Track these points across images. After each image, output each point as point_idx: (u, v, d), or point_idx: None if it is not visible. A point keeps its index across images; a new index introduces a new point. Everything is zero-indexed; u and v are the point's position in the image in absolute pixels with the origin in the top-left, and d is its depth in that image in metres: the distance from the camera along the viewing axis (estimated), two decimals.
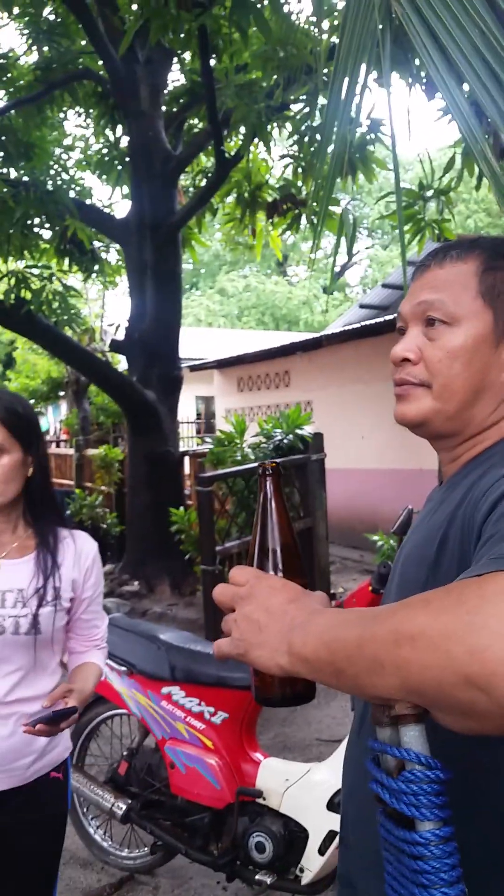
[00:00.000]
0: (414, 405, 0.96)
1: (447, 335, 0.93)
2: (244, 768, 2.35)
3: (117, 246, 8.51)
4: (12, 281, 6.48)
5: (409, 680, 0.58)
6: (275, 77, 5.43)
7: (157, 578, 7.21)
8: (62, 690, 1.54)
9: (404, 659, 0.58)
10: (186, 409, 15.73)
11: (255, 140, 6.21)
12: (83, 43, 7.61)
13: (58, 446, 14.11)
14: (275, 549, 0.85)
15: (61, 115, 8.41)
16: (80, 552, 1.70)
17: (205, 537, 4.34)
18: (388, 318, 9.41)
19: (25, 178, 6.83)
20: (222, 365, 13.66)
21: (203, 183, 8.90)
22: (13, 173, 7.22)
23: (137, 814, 2.50)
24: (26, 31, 7.25)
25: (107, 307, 15.04)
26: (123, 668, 2.54)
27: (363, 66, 1.66)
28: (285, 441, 5.56)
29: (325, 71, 4.22)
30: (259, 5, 5.02)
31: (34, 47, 7.44)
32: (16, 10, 6.95)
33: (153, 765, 2.59)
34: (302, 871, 2.17)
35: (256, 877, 2.22)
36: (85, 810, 2.83)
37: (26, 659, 1.56)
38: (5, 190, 6.19)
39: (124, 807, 2.49)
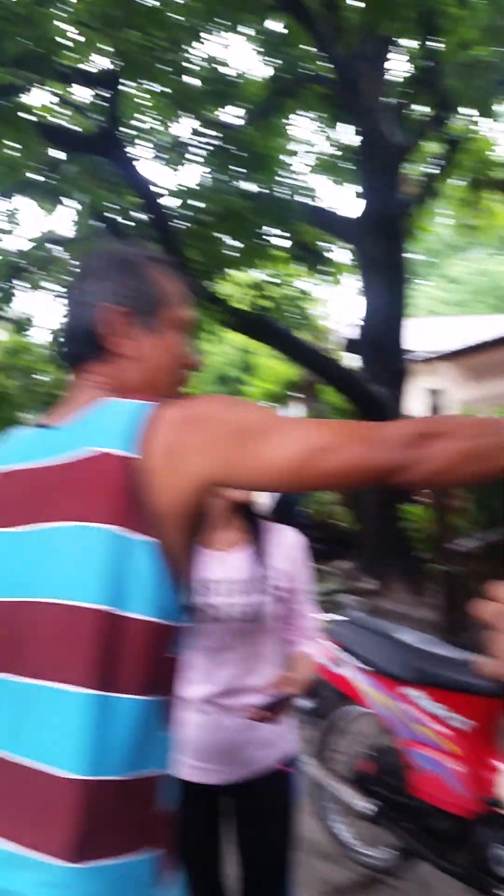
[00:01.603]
0: None
1: None
2: (488, 777, 2.26)
3: (345, 244, 8.57)
4: (252, 292, 6.78)
5: None
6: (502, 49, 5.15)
7: (391, 577, 7.16)
8: (282, 679, 1.60)
9: None
10: (416, 401, 15.42)
11: (483, 119, 5.93)
12: (310, 49, 7.77)
13: None
14: None
15: (291, 122, 8.65)
16: (289, 544, 1.76)
17: (440, 536, 4.24)
18: None
19: (259, 190, 7.11)
20: (456, 355, 13.18)
21: (430, 170, 8.68)
22: (249, 186, 7.56)
23: (383, 814, 2.51)
24: (255, 48, 7.56)
25: (335, 306, 15.21)
26: (366, 668, 2.55)
27: None
28: None
29: None
30: None
31: (263, 61, 7.73)
32: (249, 31, 7.27)
33: (396, 766, 2.58)
34: None
35: (497, 892, 2.13)
36: (330, 805, 2.89)
37: (247, 648, 1.64)
38: (242, 203, 6.49)
39: (368, 805, 2.52)
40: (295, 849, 1.75)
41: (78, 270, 1.16)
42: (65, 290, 1.16)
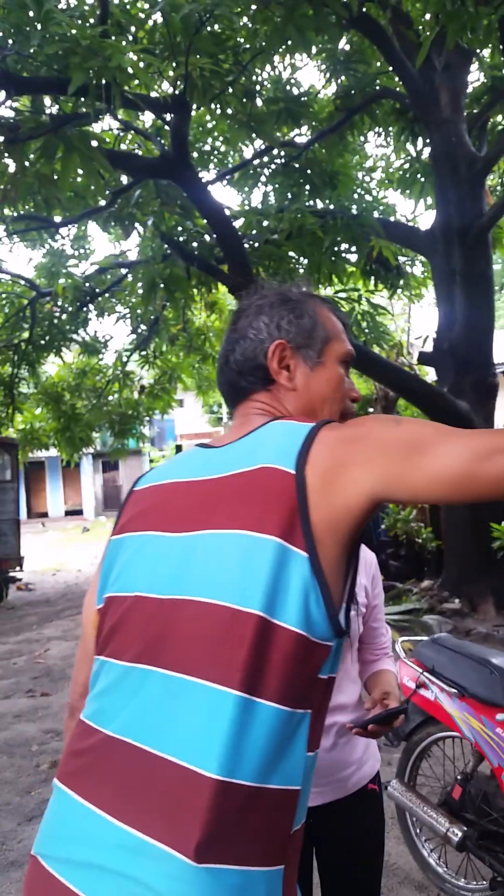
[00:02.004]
0: None
1: None
2: None
3: (422, 258, 8.46)
4: None
5: None
6: None
7: (479, 597, 6.93)
8: (381, 694, 1.58)
9: None
10: (503, 416, 15.00)
11: None
12: (378, 64, 7.78)
13: None
14: None
15: (361, 138, 8.65)
16: (367, 560, 1.73)
17: None
18: None
19: (331, 207, 7.11)
20: None
21: None
22: (319, 203, 7.57)
23: (474, 843, 2.39)
24: (324, 66, 7.62)
25: (413, 320, 15.02)
26: (454, 691, 2.46)
27: None
28: None
29: None
30: None
31: (332, 79, 7.77)
32: (314, 49, 7.33)
33: (489, 793, 2.47)
34: None
35: None
36: (418, 831, 2.79)
37: None
38: (312, 222, 6.51)
39: (460, 833, 2.40)
40: (382, 875, 1.69)
41: (245, 307, 1.24)
42: (230, 327, 1.24)
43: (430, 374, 9.61)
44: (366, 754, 1.64)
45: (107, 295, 9.53)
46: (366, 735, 1.49)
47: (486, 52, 7.35)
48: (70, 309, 8.90)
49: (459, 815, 2.49)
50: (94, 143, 4.98)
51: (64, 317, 9.03)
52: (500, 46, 5.76)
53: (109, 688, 0.99)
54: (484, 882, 2.55)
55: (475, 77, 8.05)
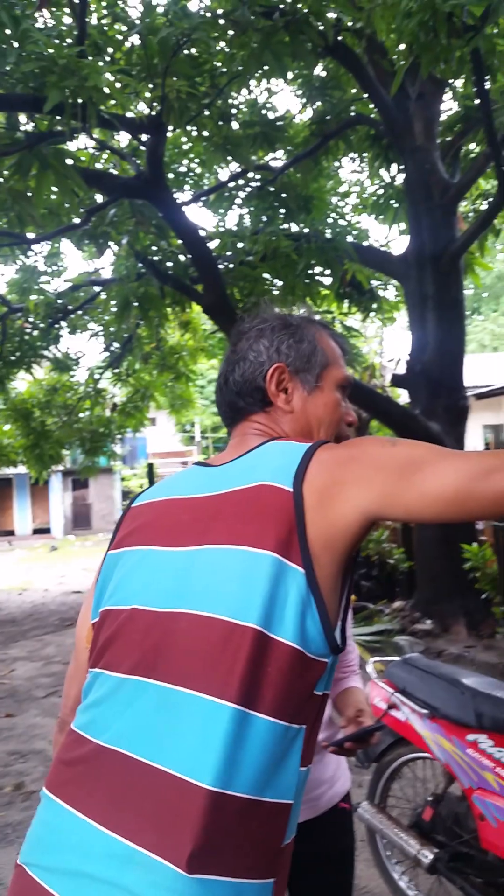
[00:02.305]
0: None
1: None
2: None
3: (395, 282, 8.57)
4: None
5: None
6: None
7: (451, 617, 6.96)
8: (355, 712, 1.57)
9: None
10: (473, 438, 15.17)
11: None
12: (353, 91, 7.91)
13: None
14: None
15: (336, 163, 8.77)
16: None
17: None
18: None
19: (306, 231, 7.18)
20: None
21: (484, 206, 8.66)
22: (294, 227, 7.65)
23: (445, 865, 2.38)
24: (300, 91, 7.73)
25: (385, 343, 15.19)
26: (425, 712, 2.45)
27: None
28: None
29: None
30: None
31: (308, 104, 7.88)
32: (290, 75, 7.44)
33: (460, 814, 2.45)
34: None
35: None
36: (389, 853, 2.77)
37: None
38: (287, 245, 6.57)
39: (431, 855, 2.39)
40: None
41: (246, 330, 1.27)
42: (231, 348, 1.27)
43: (402, 397, 9.71)
44: (337, 772, 1.63)
45: (79, 312, 9.51)
46: (342, 753, 1.49)
47: (459, 83, 7.51)
48: (42, 325, 8.86)
49: (430, 836, 2.48)
50: (70, 162, 4.98)
51: (35, 333, 8.97)
52: (473, 77, 5.89)
53: (103, 699, 0.99)
54: None
55: (448, 106, 8.23)
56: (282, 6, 5.27)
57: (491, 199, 7.29)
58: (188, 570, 1.00)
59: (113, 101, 4.67)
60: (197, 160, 8.51)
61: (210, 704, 0.89)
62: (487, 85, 5.93)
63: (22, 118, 5.46)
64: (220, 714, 0.88)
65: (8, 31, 4.33)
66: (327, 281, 7.68)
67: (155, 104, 5.45)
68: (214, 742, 0.87)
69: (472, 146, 8.35)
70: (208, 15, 5.43)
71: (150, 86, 5.38)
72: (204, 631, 0.93)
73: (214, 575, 0.97)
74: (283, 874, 0.94)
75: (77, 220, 6.68)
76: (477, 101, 6.27)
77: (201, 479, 1.12)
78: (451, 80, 7.31)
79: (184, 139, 8.05)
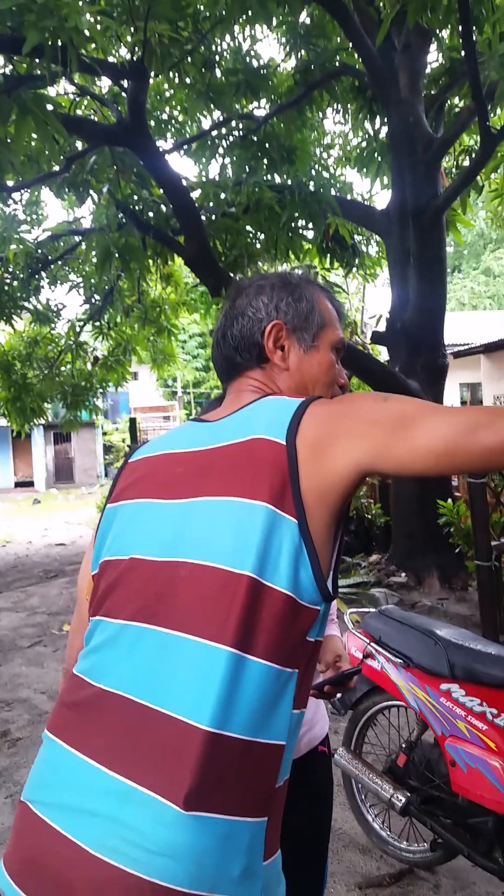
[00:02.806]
0: None
1: None
2: None
3: (377, 238, 8.50)
4: None
5: None
6: None
7: (425, 571, 7.11)
8: (334, 657, 1.64)
9: None
10: (450, 396, 15.27)
11: None
12: (339, 40, 7.72)
13: None
14: None
15: (320, 114, 8.60)
16: None
17: (479, 531, 4.18)
18: None
19: (289, 182, 7.08)
20: (490, 349, 13.04)
21: (467, 162, 8.56)
22: (277, 178, 7.52)
23: (417, 808, 2.49)
24: (284, 39, 7.53)
25: (367, 300, 15.11)
26: (400, 661, 2.53)
27: None
28: None
29: None
30: None
31: (292, 53, 7.69)
32: (274, 21, 7.24)
33: (433, 760, 2.56)
34: None
35: None
36: (363, 797, 2.88)
37: None
38: (270, 196, 6.47)
39: (404, 799, 2.49)
40: (329, 837, 1.75)
41: (245, 286, 1.29)
42: (229, 304, 1.29)
43: (382, 354, 9.71)
44: (315, 716, 1.69)
45: (59, 263, 9.34)
46: (321, 696, 1.56)
47: (446, 34, 7.34)
48: (21, 276, 8.70)
49: (403, 781, 2.58)
50: (50, 107, 4.85)
51: (15, 284, 8.82)
52: (459, 27, 5.77)
53: (104, 644, 1.03)
54: (425, 844, 2.66)
55: (434, 58, 8.07)
56: None
57: (474, 155, 7.20)
58: (185, 521, 1.03)
59: (94, 45, 4.53)
60: (179, 108, 8.30)
61: (208, 648, 0.92)
62: (474, 37, 5.81)
63: None
64: (217, 657, 0.91)
65: None
66: (310, 235, 7.60)
67: (137, 49, 5.30)
68: (212, 684, 0.90)
69: (457, 100, 8.21)
70: None
71: (132, 29, 5.22)
72: (202, 579, 0.97)
73: (210, 525, 1.00)
74: (277, 815, 0.98)
75: (57, 168, 6.53)
76: (463, 54, 6.15)
77: (196, 434, 1.15)
78: (437, 31, 7.14)
79: (166, 86, 7.84)
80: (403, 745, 2.63)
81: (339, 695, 1.60)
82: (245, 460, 1.02)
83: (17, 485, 28.94)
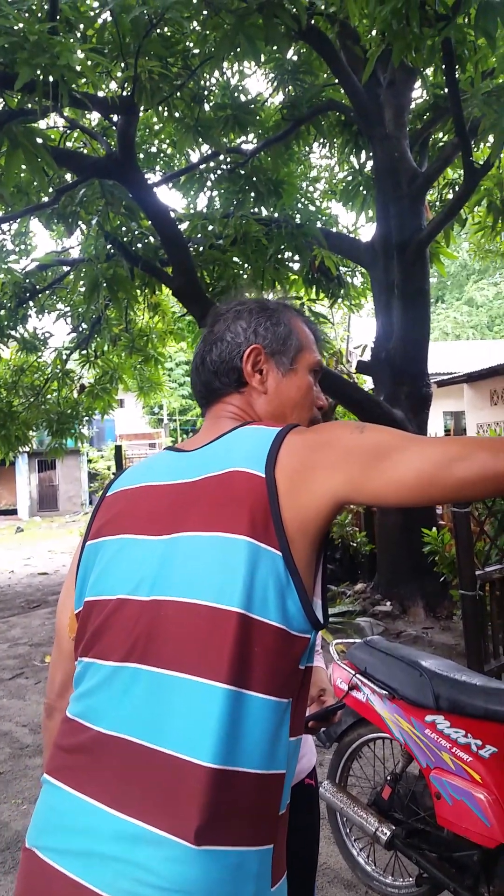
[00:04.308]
0: None
1: None
2: None
3: (362, 269, 8.62)
4: None
5: None
6: None
7: (410, 600, 7.11)
8: (318, 691, 1.63)
9: None
10: (434, 425, 15.37)
11: None
12: (325, 77, 7.89)
13: None
14: None
15: (307, 149, 8.75)
16: None
17: (463, 560, 4.19)
18: None
19: (276, 215, 7.18)
20: (473, 378, 13.18)
21: (451, 195, 8.73)
22: (264, 211, 7.63)
23: (402, 841, 2.46)
24: (272, 75, 7.69)
25: (352, 329, 15.26)
26: (385, 692, 2.53)
27: None
28: None
29: None
30: None
31: (279, 88, 7.85)
32: (262, 58, 7.39)
33: (418, 792, 2.55)
34: None
35: None
36: (348, 831, 2.85)
37: None
38: (257, 229, 6.56)
39: (388, 832, 2.47)
40: (316, 870, 1.73)
41: (223, 311, 1.29)
42: (208, 329, 1.29)
43: (367, 383, 9.80)
44: (303, 749, 1.67)
45: (47, 292, 9.39)
46: (305, 732, 1.53)
47: (430, 71, 7.53)
48: (9, 305, 8.74)
49: (388, 814, 2.57)
50: (40, 140, 4.91)
51: (2, 313, 8.85)
52: (443, 66, 5.93)
53: (97, 687, 1.02)
54: (410, 879, 2.63)
55: (418, 94, 8.26)
56: None
57: (458, 188, 7.34)
58: (169, 559, 1.03)
59: (84, 80, 4.61)
60: (168, 141, 8.43)
61: (204, 687, 0.93)
62: (457, 75, 5.97)
63: None
64: (213, 695, 0.92)
65: None
66: (296, 266, 7.69)
67: (127, 84, 5.39)
68: (211, 722, 0.91)
69: (441, 135, 8.40)
70: None
71: (122, 65, 5.31)
72: (191, 617, 0.97)
73: (195, 562, 1.00)
74: (282, 840, 0.99)
75: (46, 199, 6.59)
76: (446, 91, 6.31)
77: (175, 465, 1.14)
78: (421, 69, 7.33)
79: (155, 120, 7.96)
80: (388, 778, 2.62)
81: (322, 729, 1.59)
82: (225, 494, 1.02)
83: (1, 513, 28.69)
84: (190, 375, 1.33)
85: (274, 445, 1.02)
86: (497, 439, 0.98)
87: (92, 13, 5.66)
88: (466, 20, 5.35)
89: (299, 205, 7.79)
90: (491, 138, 6.27)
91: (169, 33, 5.61)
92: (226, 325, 1.25)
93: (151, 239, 7.01)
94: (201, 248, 6.95)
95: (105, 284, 6.90)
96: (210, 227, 6.88)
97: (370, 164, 8.13)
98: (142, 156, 8.16)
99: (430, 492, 0.96)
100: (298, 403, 1.23)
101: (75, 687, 1.07)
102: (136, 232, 7.04)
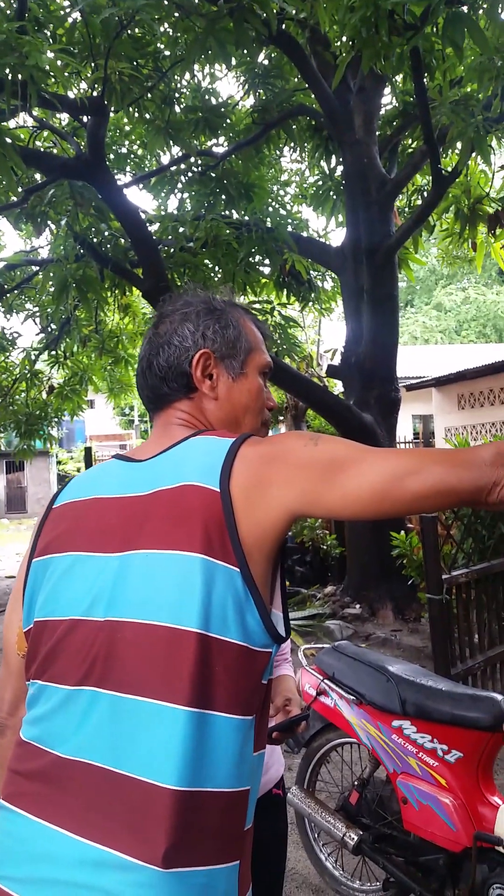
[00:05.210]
0: None
1: None
2: (482, 812, 2.24)
3: (332, 274, 8.67)
4: None
5: None
6: (491, 88, 5.25)
7: (379, 602, 7.16)
8: (283, 700, 1.62)
9: None
10: (403, 428, 15.51)
11: (473, 154, 6.03)
12: (296, 81, 7.92)
13: None
14: None
15: (277, 152, 8.77)
16: None
17: (430, 564, 4.23)
18: None
19: (246, 219, 7.19)
20: (441, 382, 13.32)
21: (419, 202, 8.81)
22: (235, 214, 7.64)
23: (369, 846, 2.48)
24: (243, 79, 7.70)
25: (323, 333, 15.33)
26: (353, 698, 2.54)
27: None
28: None
29: None
30: (474, 16, 4.89)
31: (250, 92, 7.86)
32: (233, 61, 7.40)
33: (385, 797, 2.56)
34: None
35: None
36: (316, 836, 2.86)
37: None
38: (228, 232, 6.56)
39: (356, 837, 2.48)
40: (284, 879, 1.74)
41: (169, 312, 1.24)
42: (152, 331, 1.24)
43: (337, 387, 9.85)
44: (270, 759, 1.68)
45: (16, 292, 9.28)
46: (269, 742, 1.53)
47: (399, 78, 7.60)
48: None
49: (356, 819, 2.58)
50: (8, 140, 4.86)
51: None
52: (412, 74, 5.99)
53: (53, 711, 0.99)
54: (377, 883, 2.65)
55: (388, 101, 8.33)
56: None
57: (426, 195, 7.42)
58: (123, 577, 0.99)
59: (54, 80, 4.58)
60: (138, 143, 8.39)
61: (166, 710, 0.90)
62: (426, 83, 6.03)
63: None
64: (176, 718, 0.90)
65: None
66: (267, 270, 7.70)
67: (97, 85, 5.36)
68: (174, 745, 0.89)
69: (410, 142, 8.48)
70: None
71: (93, 66, 5.28)
72: (148, 638, 0.94)
73: (150, 581, 0.97)
74: (248, 855, 0.98)
75: (15, 199, 6.52)
76: (414, 99, 6.38)
77: (125, 477, 1.10)
78: (391, 76, 7.40)
79: (125, 121, 7.92)
80: (356, 783, 2.63)
81: (287, 738, 1.59)
82: (178, 509, 0.99)
83: None
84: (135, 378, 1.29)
85: (228, 458, 1.00)
86: (453, 452, 0.98)
87: (62, 13, 5.62)
88: (434, 30, 5.41)
89: (270, 208, 7.81)
90: (459, 146, 6.35)
91: (139, 35, 5.59)
92: (172, 327, 1.21)
93: (122, 240, 6.97)
94: (172, 251, 6.93)
95: (74, 285, 6.85)
96: (181, 230, 6.86)
97: (340, 169, 8.18)
98: (112, 156, 8.11)
99: (383, 506, 0.95)
100: (250, 408, 1.21)
101: (29, 709, 1.04)
102: (106, 233, 7.00)
